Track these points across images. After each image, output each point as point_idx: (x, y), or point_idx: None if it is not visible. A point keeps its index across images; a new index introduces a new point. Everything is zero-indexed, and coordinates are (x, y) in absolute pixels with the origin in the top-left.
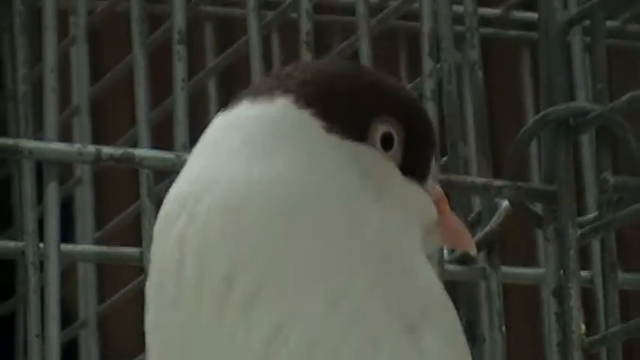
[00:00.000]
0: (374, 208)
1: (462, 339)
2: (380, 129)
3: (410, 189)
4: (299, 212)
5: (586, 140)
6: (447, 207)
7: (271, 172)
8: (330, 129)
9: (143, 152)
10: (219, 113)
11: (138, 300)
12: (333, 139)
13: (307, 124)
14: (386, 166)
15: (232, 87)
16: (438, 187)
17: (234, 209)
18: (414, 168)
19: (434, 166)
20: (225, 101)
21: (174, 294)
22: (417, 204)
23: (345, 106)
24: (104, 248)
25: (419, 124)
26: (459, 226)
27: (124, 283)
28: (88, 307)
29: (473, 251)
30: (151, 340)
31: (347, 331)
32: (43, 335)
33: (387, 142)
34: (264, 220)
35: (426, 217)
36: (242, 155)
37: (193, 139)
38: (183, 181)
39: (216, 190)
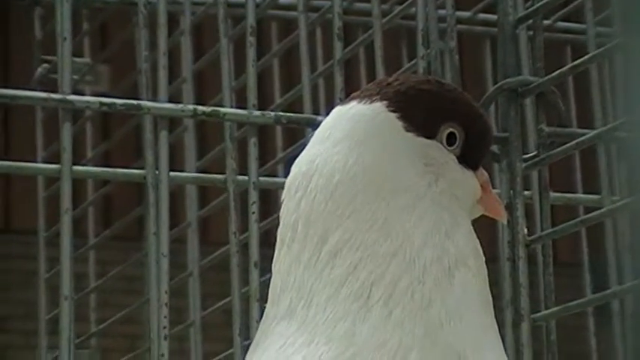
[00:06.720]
0: (430, 189)
1: (484, 278)
2: (446, 131)
3: (464, 175)
4: (376, 191)
5: (529, 102)
6: (490, 187)
7: (360, 160)
8: (407, 128)
9: (226, 110)
10: (336, 108)
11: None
12: (409, 136)
13: (392, 123)
14: (447, 157)
15: (290, 65)
16: (485, 174)
17: (333, 189)
18: (469, 159)
19: (485, 158)
20: (285, 76)
21: (289, 240)
22: (468, 185)
23: (421, 113)
24: (201, 175)
25: (476, 129)
26: (496, 202)
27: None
28: (191, 217)
29: (504, 220)
30: (273, 267)
31: (401, 274)
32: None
33: (451, 140)
34: (351, 197)
35: (473, 194)
36: (343, 145)
37: (260, 101)
38: (303, 161)
39: (323, 173)
